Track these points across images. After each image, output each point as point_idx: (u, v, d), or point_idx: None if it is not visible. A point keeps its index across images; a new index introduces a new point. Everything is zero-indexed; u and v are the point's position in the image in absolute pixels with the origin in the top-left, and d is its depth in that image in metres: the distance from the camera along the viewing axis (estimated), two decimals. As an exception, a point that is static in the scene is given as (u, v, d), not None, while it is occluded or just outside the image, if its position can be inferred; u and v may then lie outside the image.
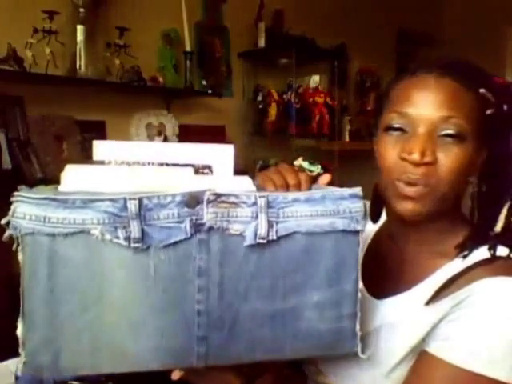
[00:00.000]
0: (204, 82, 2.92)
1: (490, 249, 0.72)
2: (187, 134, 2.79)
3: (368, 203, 0.64)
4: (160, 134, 2.68)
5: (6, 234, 0.53)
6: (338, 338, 0.62)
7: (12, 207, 0.53)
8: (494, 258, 0.71)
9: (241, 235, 0.57)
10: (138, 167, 0.63)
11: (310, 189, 0.66)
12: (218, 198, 0.56)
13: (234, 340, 0.58)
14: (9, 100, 2.20)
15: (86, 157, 2.38)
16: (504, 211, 0.75)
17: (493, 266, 0.70)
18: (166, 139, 2.68)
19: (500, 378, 0.65)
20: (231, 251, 0.57)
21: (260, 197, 0.57)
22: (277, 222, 0.58)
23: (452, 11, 4.43)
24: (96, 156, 0.63)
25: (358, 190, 0.61)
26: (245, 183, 0.62)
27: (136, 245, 0.54)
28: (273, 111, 3.12)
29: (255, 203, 0.57)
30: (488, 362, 0.65)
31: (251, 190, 0.61)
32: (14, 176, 2.12)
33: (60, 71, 2.28)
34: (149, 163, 0.63)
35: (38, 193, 0.54)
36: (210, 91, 2.85)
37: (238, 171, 0.65)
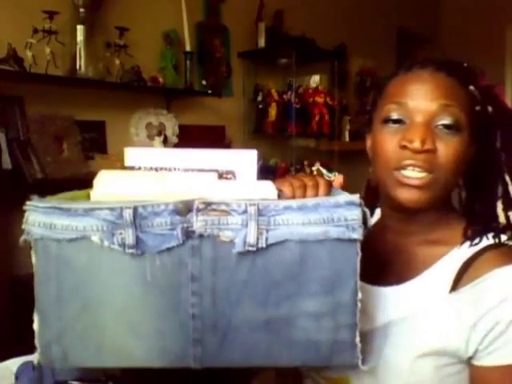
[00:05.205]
0: (204, 82, 2.92)
1: (494, 237, 0.76)
2: (187, 134, 2.79)
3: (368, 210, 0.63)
4: (160, 133, 2.68)
5: (21, 238, 0.59)
6: (336, 349, 0.60)
7: (25, 215, 0.59)
8: (499, 244, 0.75)
9: (232, 242, 0.58)
10: (165, 173, 0.67)
11: (330, 192, 0.66)
12: (208, 206, 0.58)
13: (228, 345, 0.59)
14: (9, 100, 2.19)
15: (85, 157, 2.38)
16: (500, 205, 0.79)
17: (502, 254, 0.74)
18: (165, 139, 2.68)
19: None
20: (223, 258, 0.58)
21: (250, 205, 0.57)
22: (267, 230, 0.58)
23: (452, 11, 4.43)
24: (127, 162, 0.69)
25: (355, 198, 0.59)
26: (267, 188, 0.63)
27: (131, 250, 0.57)
28: (273, 111, 3.13)
29: (245, 211, 0.57)
30: None
31: (273, 194, 0.62)
32: (14, 176, 2.11)
33: (60, 71, 2.28)
34: (175, 169, 0.67)
35: (46, 202, 0.60)
36: (209, 91, 2.85)
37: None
